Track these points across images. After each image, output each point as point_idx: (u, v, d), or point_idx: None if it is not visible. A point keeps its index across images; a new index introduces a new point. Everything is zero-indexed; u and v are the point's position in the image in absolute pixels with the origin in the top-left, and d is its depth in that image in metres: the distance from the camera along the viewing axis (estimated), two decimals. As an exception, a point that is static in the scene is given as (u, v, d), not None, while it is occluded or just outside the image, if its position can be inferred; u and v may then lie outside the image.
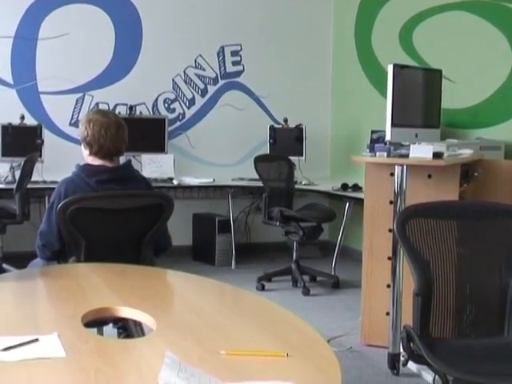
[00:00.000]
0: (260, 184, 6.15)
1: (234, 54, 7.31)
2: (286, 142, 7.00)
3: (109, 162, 3.31)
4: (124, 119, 3.50)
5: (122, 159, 3.45)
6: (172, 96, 7.13)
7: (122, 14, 6.89)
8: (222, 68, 7.29)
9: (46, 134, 6.46)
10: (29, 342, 1.83)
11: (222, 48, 7.27)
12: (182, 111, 7.18)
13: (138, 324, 2.53)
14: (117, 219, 3.21)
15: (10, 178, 6.20)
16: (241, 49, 7.31)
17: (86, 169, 3.30)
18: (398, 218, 2.74)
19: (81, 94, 6.82)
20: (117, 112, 6.67)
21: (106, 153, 3.29)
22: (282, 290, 5.83)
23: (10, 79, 6.62)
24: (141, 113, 6.92)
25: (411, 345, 2.61)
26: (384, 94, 4.20)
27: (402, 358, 3.86)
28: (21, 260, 3.85)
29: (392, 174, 4.05)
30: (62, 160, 6.27)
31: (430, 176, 4.17)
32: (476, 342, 2.74)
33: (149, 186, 3.54)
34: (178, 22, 7.07)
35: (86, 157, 3.35)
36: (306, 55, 7.49)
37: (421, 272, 2.65)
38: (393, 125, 3.97)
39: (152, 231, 3.25)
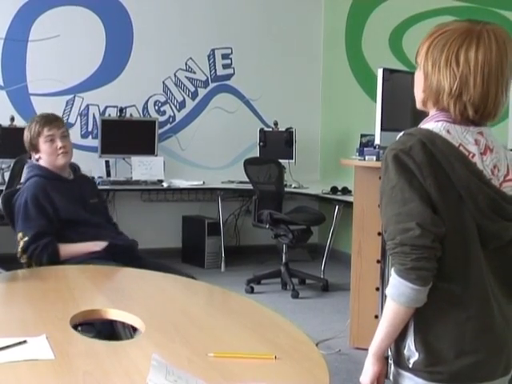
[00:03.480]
0: (250, 187, 6.15)
1: (225, 56, 7.31)
2: (276, 145, 7.01)
3: None
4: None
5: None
6: (162, 98, 7.13)
7: (113, 16, 6.88)
8: (213, 71, 7.29)
9: (36, 136, 6.44)
10: (17, 344, 1.83)
11: (213, 51, 7.27)
12: (172, 114, 7.18)
13: (126, 326, 2.53)
14: None
15: (-1, 180, 6.18)
16: (231, 52, 7.32)
17: None
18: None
19: (71, 96, 6.80)
20: (107, 114, 6.67)
21: None
22: (271, 293, 5.83)
23: (0, 81, 6.60)
24: (131, 115, 6.90)
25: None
26: (374, 98, 4.22)
27: (390, 361, 3.88)
28: (9, 261, 3.83)
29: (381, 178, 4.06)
30: (52, 162, 6.27)
31: (418, 180, 4.17)
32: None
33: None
34: (169, 25, 7.07)
35: None
36: (296, 59, 7.50)
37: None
38: (382, 129, 3.98)
39: None
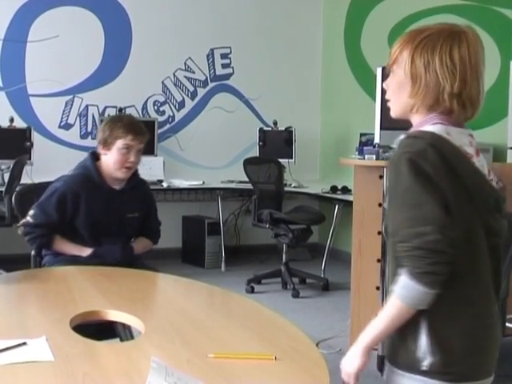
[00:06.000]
0: (249, 186, 6.15)
1: (224, 56, 7.31)
2: (276, 144, 7.00)
3: None
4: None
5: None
6: (162, 98, 7.12)
7: (112, 16, 6.88)
8: (212, 70, 7.29)
9: (36, 137, 6.44)
10: (17, 346, 1.83)
11: (212, 50, 7.26)
12: (171, 114, 7.18)
13: (126, 327, 2.53)
14: None
15: (-2, 181, 6.18)
16: (230, 51, 7.31)
17: None
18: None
19: (70, 97, 6.80)
20: (106, 115, 6.66)
21: None
22: (271, 293, 5.83)
23: (-1, 81, 6.60)
24: (130, 115, 6.90)
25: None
26: (373, 97, 4.21)
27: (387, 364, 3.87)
28: (10, 263, 3.84)
29: (381, 177, 4.05)
30: (52, 163, 6.26)
31: (418, 178, 4.17)
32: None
33: None
34: (168, 25, 7.06)
35: None
36: (295, 58, 7.49)
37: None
38: (382, 127, 3.97)
39: None
